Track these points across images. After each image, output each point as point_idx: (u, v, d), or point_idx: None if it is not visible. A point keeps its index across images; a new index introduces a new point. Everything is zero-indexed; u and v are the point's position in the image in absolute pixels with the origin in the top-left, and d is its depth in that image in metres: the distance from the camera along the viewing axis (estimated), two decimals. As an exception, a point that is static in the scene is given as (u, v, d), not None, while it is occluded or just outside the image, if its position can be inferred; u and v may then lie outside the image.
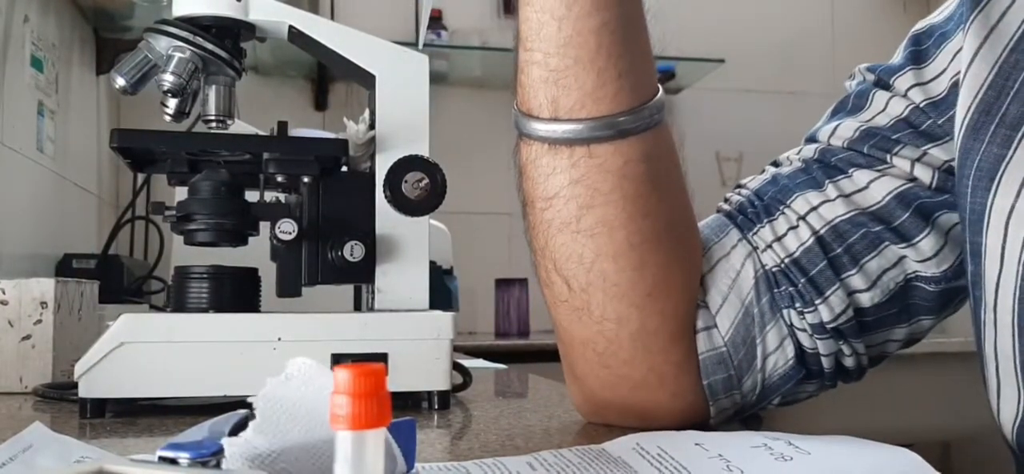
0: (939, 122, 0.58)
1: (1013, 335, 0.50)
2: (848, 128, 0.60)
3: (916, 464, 0.41)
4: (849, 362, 0.59)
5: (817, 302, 0.57)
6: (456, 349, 0.73)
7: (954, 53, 0.58)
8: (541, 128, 0.54)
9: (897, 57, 0.63)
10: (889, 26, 2.79)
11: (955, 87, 0.56)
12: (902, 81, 0.60)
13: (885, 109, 0.60)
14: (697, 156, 2.51)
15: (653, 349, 0.57)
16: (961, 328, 0.63)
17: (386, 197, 0.73)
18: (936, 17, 0.62)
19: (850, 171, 0.59)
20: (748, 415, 0.62)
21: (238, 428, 0.37)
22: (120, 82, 0.71)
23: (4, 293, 0.83)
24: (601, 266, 0.55)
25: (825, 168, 0.60)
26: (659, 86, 0.57)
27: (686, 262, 0.58)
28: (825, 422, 0.60)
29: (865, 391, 0.64)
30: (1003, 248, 0.50)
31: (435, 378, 0.69)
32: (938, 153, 0.57)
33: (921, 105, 0.59)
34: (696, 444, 0.46)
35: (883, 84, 0.61)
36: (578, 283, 0.56)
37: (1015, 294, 0.50)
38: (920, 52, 0.61)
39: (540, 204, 0.56)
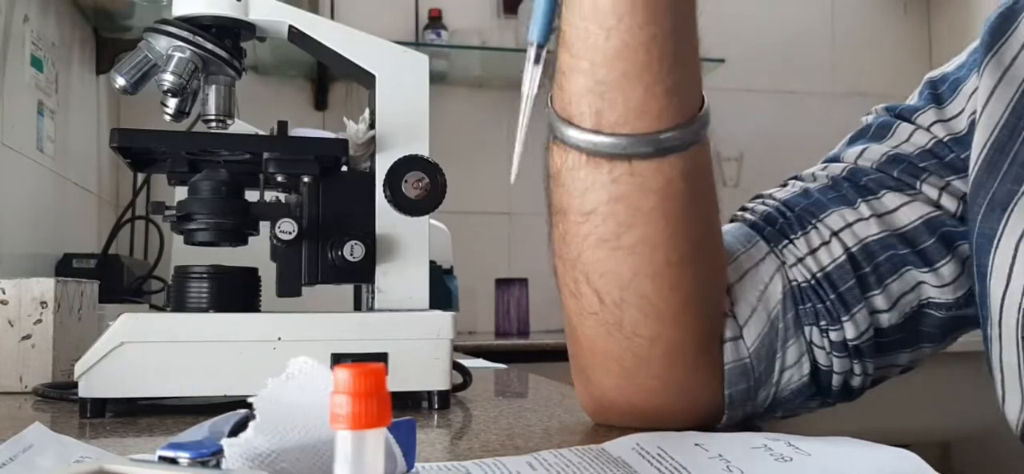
0: (961, 156, 0.59)
1: (1017, 348, 0.52)
2: (875, 152, 0.61)
3: (916, 465, 0.41)
4: (857, 382, 0.59)
5: (844, 319, 0.57)
6: (456, 349, 0.73)
7: (970, 94, 0.59)
8: (581, 138, 0.52)
9: (914, 99, 0.64)
10: (889, 27, 2.79)
11: (974, 125, 0.58)
12: (924, 118, 0.61)
13: (909, 139, 0.61)
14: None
15: (679, 364, 0.56)
16: (962, 328, 0.64)
17: (386, 197, 0.73)
18: (949, 67, 0.63)
19: (880, 193, 0.59)
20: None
21: (238, 428, 0.37)
22: (120, 82, 0.71)
23: (4, 293, 0.82)
24: (638, 284, 0.54)
25: (856, 187, 0.60)
26: (704, 96, 0.54)
27: (716, 276, 0.58)
28: (824, 423, 0.59)
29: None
30: (1011, 268, 0.52)
31: (435, 378, 0.69)
32: (960, 185, 0.59)
33: (944, 140, 0.60)
34: (696, 445, 0.46)
35: (905, 118, 0.63)
36: (611, 299, 0.54)
37: (1020, 309, 0.51)
38: (938, 95, 0.62)
39: (575, 216, 0.54)
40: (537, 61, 0.48)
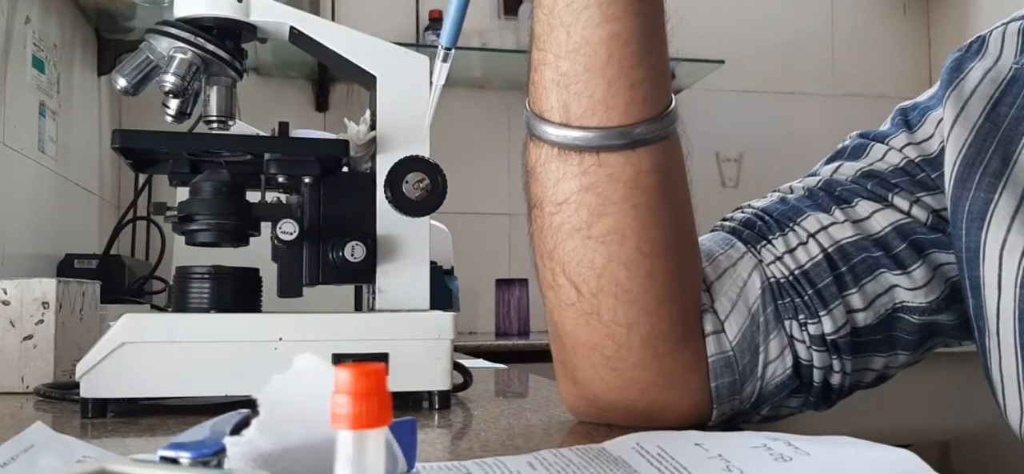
0: (932, 176, 0.62)
1: (1015, 354, 0.55)
2: (850, 168, 0.64)
3: (915, 464, 0.41)
4: (835, 379, 0.61)
5: (821, 314, 0.59)
6: (457, 349, 0.73)
7: (938, 121, 0.62)
8: (552, 132, 0.54)
9: (886, 126, 0.66)
10: (889, 28, 2.79)
11: (945, 150, 0.61)
12: (897, 140, 0.64)
13: (883, 158, 0.64)
14: (697, 157, 2.50)
15: (663, 352, 0.58)
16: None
17: (387, 197, 0.73)
18: (920, 99, 0.66)
19: (854, 201, 0.62)
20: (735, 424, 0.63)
21: (239, 428, 0.37)
22: (121, 83, 0.71)
23: (6, 293, 0.83)
24: (612, 272, 0.55)
25: (831, 196, 0.63)
26: (673, 97, 0.57)
27: (691, 269, 0.59)
28: (824, 423, 0.60)
29: (864, 391, 0.65)
30: (999, 278, 0.55)
31: (436, 378, 0.69)
32: (931, 201, 0.61)
33: (916, 160, 0.63)
34: (696, 444, 0.47)
35: (879, 139, 0.65)
36: (588, 288, 0.56)
37: (1015, 315, 0.54)
38: (909, 121, 0.65)
39: (549, 208, 0.56)
40: (445, 60, 0.58)
